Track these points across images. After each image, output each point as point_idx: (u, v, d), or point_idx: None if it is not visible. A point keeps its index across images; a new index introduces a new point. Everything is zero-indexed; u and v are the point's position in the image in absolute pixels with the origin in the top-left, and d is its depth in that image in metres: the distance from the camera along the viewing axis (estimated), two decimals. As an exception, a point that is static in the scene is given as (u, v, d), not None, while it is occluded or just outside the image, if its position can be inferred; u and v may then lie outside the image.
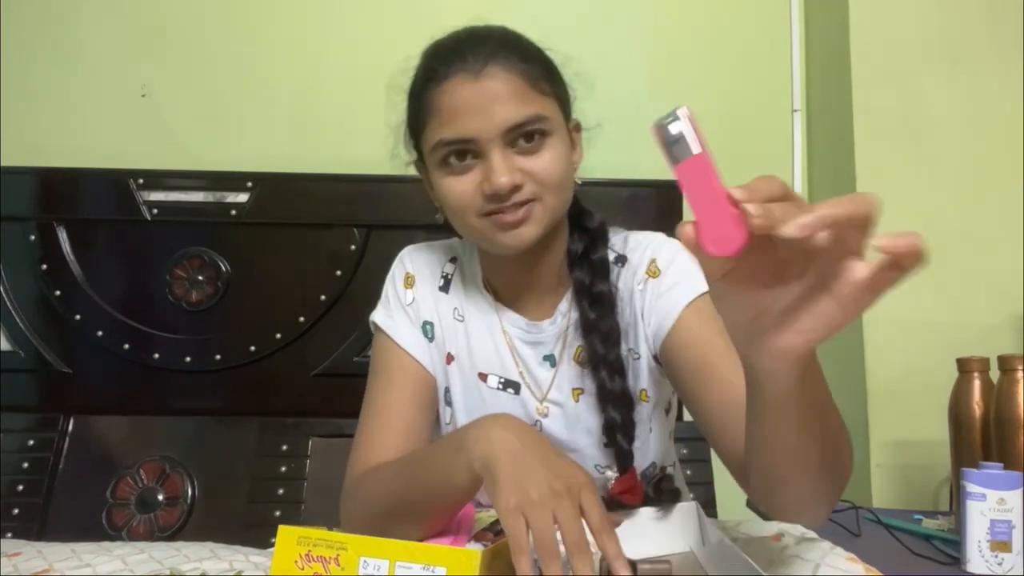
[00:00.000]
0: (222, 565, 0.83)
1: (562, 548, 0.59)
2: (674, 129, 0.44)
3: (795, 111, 1.78)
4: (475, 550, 0.62)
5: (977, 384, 1.19)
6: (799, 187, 1.77)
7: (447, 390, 0.95)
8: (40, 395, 1.55)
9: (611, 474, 0.89)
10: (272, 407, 1.55)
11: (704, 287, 0.85)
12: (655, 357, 0.89)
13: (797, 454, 0.59)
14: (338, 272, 1.57)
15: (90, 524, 1.43)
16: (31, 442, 1.50)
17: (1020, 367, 1.11)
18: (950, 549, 1.02)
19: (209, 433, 1.53)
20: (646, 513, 0.88)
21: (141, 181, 1.57)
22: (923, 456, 1.46)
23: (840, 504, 0.82)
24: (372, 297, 0.99)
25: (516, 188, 0.80)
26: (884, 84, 1.58)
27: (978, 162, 1.55)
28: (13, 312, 1.54)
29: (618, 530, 0.71)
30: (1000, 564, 0.92)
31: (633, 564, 0.68)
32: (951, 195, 1.54)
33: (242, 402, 1.55)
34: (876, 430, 1.50)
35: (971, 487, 0.94)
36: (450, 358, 0.95)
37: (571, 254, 0.92)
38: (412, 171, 0.93)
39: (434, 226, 0.96)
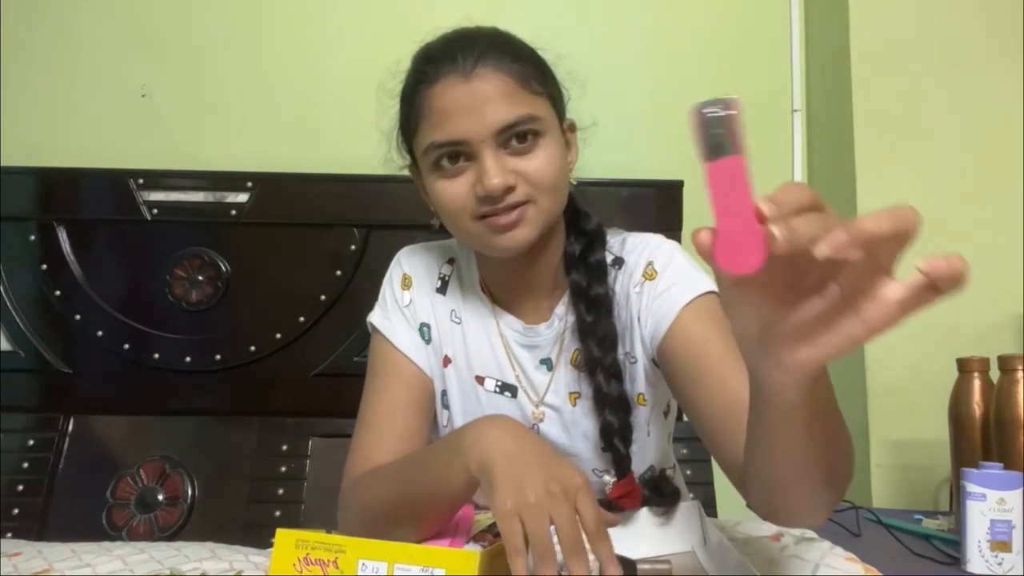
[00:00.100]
0: (222, 565, 0.84)
1: (558, 550, 0.59)
2: (717, 120, 0.40)
3: (795, 111, 1.77)
4: (474, 551, 0.62)
5: (977, 384, 1.18)
6: (799, 187, 1.77)
7: (444, 393, 0.95)
8: (40, 395, 1.55)
9: (609, 478, 0.88)
10: (272, 407, 1.55)
11: (701, 289, 0.84)
12: (653, 360, 0.88)
13: (800, 464, 0.57)
14: (338, 272, 1.57)
15: (90, 524, 1.43)
16: (31, 442, 1.50)
17: (1020, 367, 1.11)
18: (950, 549, 1.02)
19: (209, 433, 1.53)
20: (647, 513, 0.88)
21: (141, 181, 1.57)
22: (923, 456, 1.46)
23: (840, 504, 0.82)
24: (372, 297, 0.99)
25: (509, 189, 0.79)
26: (884, 84, 1.58)
27: (978, 162, 1.55)
28: (13, 312, 1.54)
29: (619, 530, 0.71)
30: (1000, 564, 0.92)
31: (633, 564, 0.68)
32: (951, 195, 1.54)
33: (242, 402, 1.55)
34: (876, 430, 1.50)
35: (971, 487, 0.94)
36: (447, 360, 0.94)
37: (568, 256, 0.91)
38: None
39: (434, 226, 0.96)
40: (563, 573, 0.59)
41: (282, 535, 0.66)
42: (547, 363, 0.92)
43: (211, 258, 1.56)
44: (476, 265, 0.96)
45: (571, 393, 0.91)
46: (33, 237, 1.56)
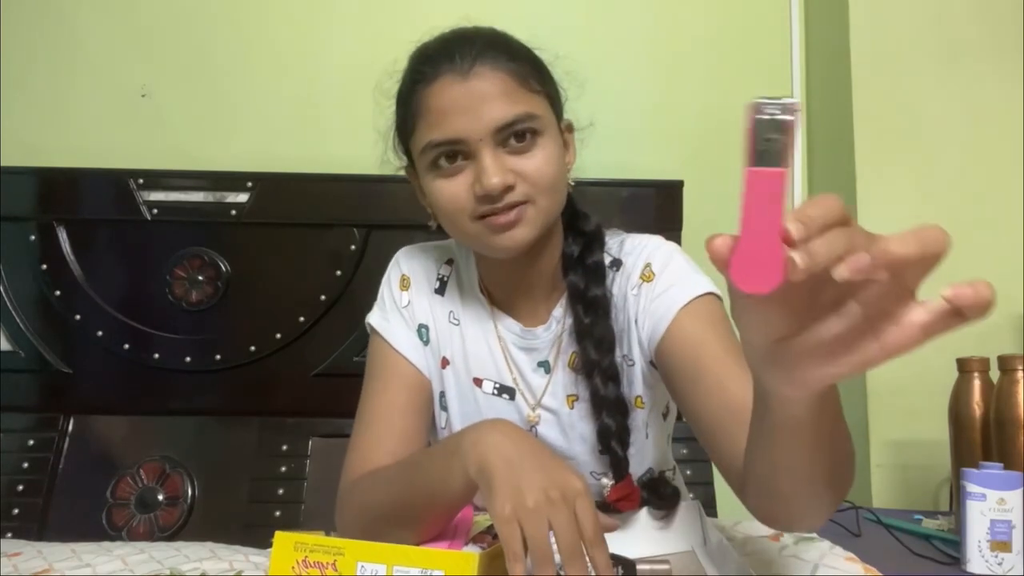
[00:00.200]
0: (222, 565, 0.84)
1: (557, 555, 0.59)
2: (774, 124, 0.37)
3: (795, 111, 1.77)
4: (472, 553, 0.62)
5: (977, 384, 1.18)
6: (799, 187, 1.77)
7: (442, 394, 0.94)
8: (40, 395, 1.55)
9: (607, 481, 0.88)
10: (272, 407, 1.55)
11: (699, 290, 0.84)
12: (651, 362, 0.87)
13: (804, 476, 0.57)
14: (338, 272, 1.57)
15: (90, 524, 1.43)
16: (31, 442, 1.50)
17: (1020, 367, 1.11)
18: (950, 549, 1.02)
19: (209, 433, 1.53)
20: (647, 513, 0.88)
21: (141, 181, 1.57)
22: (923, 456, 1.46)
23: (840, 504, 0.82)
24: (372, 297, 0.99)
25: (508, 189, 0.79)
26: (884, 84, 1.57)
27: (978, 162, 1.55)
28: (13, 312, 1.54)
29: (619, 530, 0.71)
30: (1000, 564, 0.92)
31: (633, 564, 0.68)
32: (951, 195, 1.53)
33: (242, 402, 1.55)
34: (876, 430, 1.50)
35: (971, 487, 0.94)
36: (445, 362, 0.94)
37: (566, 258, 0.91)
38: (408, 173, 0.93)
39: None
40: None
41: (281, 537, 0.66)
42: (545, 365, 0.92)
43: (211, 258, 1.56)
44: (475, 266, 0.95)
45: (569, 396, 0.91)
46: (33, 237, 1.56)
